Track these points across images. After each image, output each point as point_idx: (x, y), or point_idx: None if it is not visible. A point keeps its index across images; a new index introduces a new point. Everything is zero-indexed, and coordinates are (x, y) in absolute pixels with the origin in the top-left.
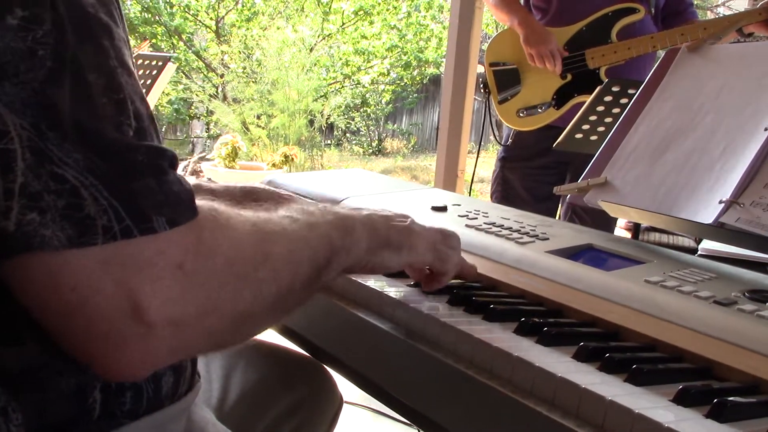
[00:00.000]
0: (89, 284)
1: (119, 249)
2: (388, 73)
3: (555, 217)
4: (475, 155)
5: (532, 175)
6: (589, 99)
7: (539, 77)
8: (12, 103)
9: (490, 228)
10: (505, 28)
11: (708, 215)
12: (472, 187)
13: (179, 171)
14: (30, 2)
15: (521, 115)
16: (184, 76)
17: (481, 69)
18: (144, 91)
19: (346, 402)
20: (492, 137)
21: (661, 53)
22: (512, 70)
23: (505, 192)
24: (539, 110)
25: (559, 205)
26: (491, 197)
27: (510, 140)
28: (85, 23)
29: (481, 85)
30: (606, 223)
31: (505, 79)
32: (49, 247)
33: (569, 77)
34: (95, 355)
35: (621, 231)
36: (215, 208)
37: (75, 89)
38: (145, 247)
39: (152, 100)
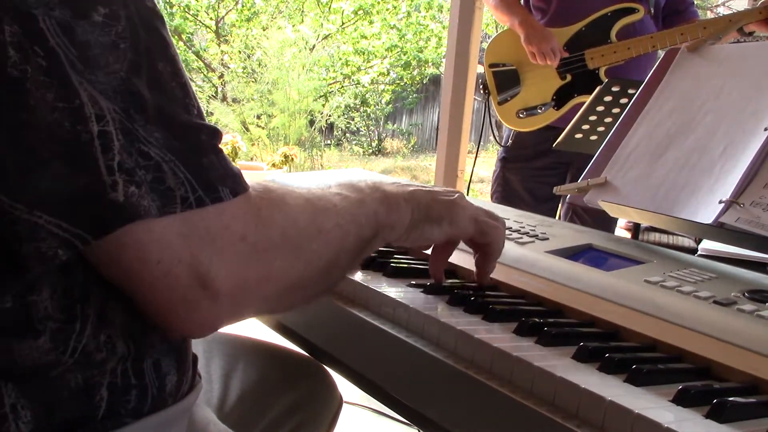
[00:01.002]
0: (171, 257)
1: (195, 219)
2: (388, 73)
3: (555, 218)
4: (475, 155)
5: (533, 176)
6: (589, 99)
7: (539, 78)
8: (105, 90)
9: None
10: (505, 28)
11: (708, 215)
12: (472, 187)
13: None
14: (108, 0)
15: (521, 115)
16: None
17: (481, 69)
18: None
19: (346, 402)
20: (492, 138)
21: (661, 53)
22: (512, 71)
23: (505, 192)
24: (539, 111)
25: (560, 205)
26: (491, 198)
27: (510, 141)
28: (149, 17)
29: (481, 86)
30: (606, 223)
31: (504, 80)
32: (150, 215)
33: (569, 78)
34: (172, 318)
35: (621, 231)
36: (268, 186)
37: (151, 77)
38: (215, 219)
39: None
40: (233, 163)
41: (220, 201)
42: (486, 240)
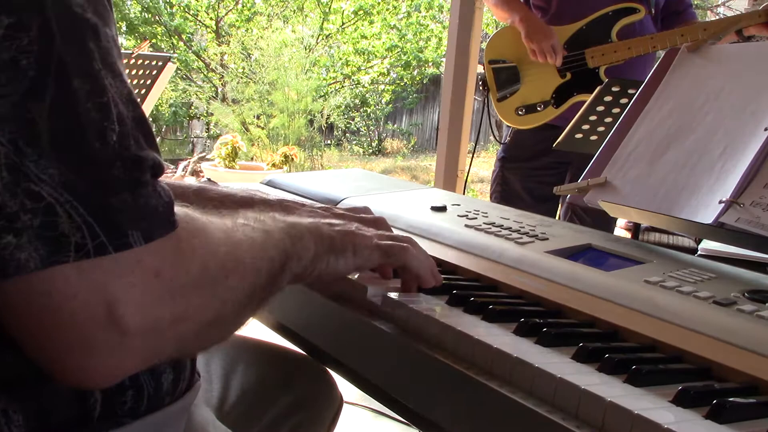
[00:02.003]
0: (65, 290)
1: (90, 270)
2: (388, 73)
3: (555, 218)
4: (476, 155)
5: (532, 176)
6: (589, 99)
7: (538, 75)
8: None
9: (490, 228)
10: (506, 25)
11: (708, 215)
12: (472, 187)
13: (179, 171)
14: (18, 6)
15: (520, 113)
16: (184, 77)
17: (481, 69)
18: (144, 91)
19: (346, 402)
20: (492, 137)
21: (661, 53)
22: (511, 68)
23: (504, 192)
24: (538, 108)
25: (559, 205)
26: (491, 197)
27: (509, 138)
28: (72, 25)
29: (480, 83)
30: (606, 223)
31: (504, 77)
32: (25, 271)
33: (568, 76)
34: (68, 364)
35: (621, 231)
36: (190, 214)
37: (58, 98)
38: (121, 258)
39: (152, 100)
40: (164, 196)
41: (128, 248)
42: (398, 262)
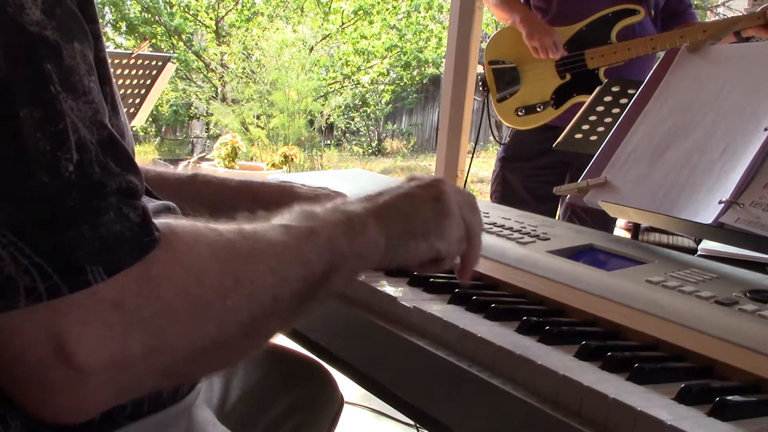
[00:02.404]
0: (10, 327)
1: (43, 314)
2: (388, 73)
3: (555, 218)
4: (476, 155)
5: (532, 176)
6: (588, 99)
7: (538, 76)
8: None
9: (491, 228)
10: (506, 26)
11: (708, 215)
12: (472, 187)
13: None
14: None
15: (519, 113)
16: (184, 77)
17: (481, 69)
18: (144, 91)
19: (347, 402)
20: (492, 137)
21: (660, 55)
22: (511, 68)
23: (505, 192)
24: (538, 109)
25: (559, 205)
26: (491, 197)
27: (508, 139)
28: (24, 46)
29: (480, 84)
30: (605, 223)
31: (504, 78)
32: None
33: (568, 77)
34: (32, 402)
35: (621, 231)
36: (180, 230)
37: (1, 130)
38: (77, 296)
39: (152, 100)
40: (131, 217)
41: (87, 286)
42: (476, 251)
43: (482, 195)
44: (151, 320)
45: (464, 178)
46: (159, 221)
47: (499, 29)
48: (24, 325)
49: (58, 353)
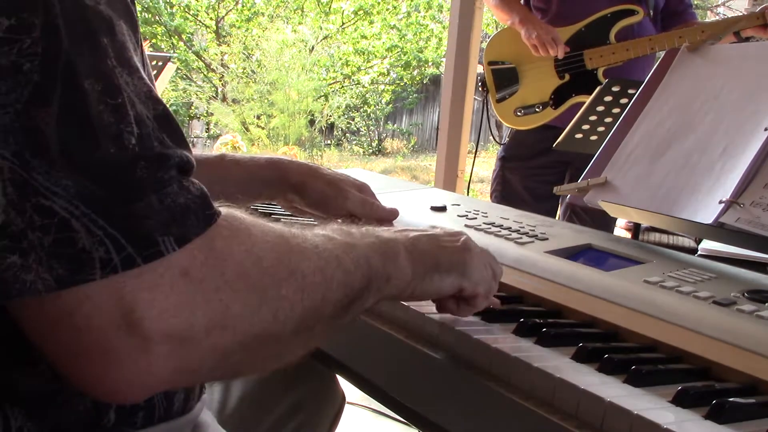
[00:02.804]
0: (79, 296)
1: (120, 286)
2: (388, 73)
3: (555, 218)
4: (476, 155)
5: (532, 175)
6: (588, 99)
7: (537, 77)
8: None
9: (490, 228)
10: (506, 27)
11: (708, 215)
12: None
13: None
14: (18, 7)
15: (519, 114)
16: (184, 77)
17: (481, 69)
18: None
19: (347, 402)
20: (491, 137)
21: (660, 55)
22: (511, 69)
23: (504, 192)
24: (537, 110)
25: (559, 204)
26: (491, 197)
27: (507, 138)
28: (82, 19)
29: (480, 84)
30: (605, 223)
31: (503, 78)
32: (31, 293)
33: (567, 77)
34: (86, 373)
35: (621, 231)
36: (234, 214)
37: (66, 102)
38: (150, 266)
39: None
40: (194, 190)
41: (159, 257)
42: (493, 291)
43: (483, 195)
44: (215, 294)
45: (465, 179)
46: (221, 207)
47: (499, 29)
48: (95, 292)
49: (125, 319)
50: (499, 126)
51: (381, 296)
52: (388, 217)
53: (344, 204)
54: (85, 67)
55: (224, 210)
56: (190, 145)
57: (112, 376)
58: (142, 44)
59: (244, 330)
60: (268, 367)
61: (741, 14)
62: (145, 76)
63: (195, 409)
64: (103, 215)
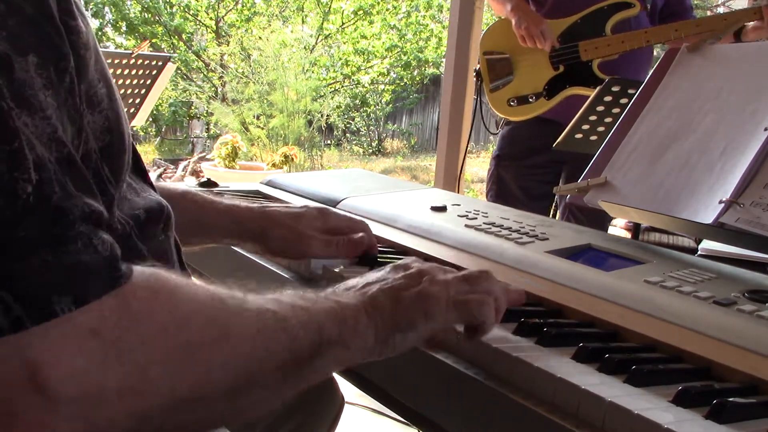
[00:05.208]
0: None
1: (13, 336)
2: (388, 73)
3: (548, 216)
4: (476, 155)
5: (526, 174)
6: (581, 92)
7: (532, 67)
8: None
9: (490, 228)
10: (503, 18)
11: (708, 215)
12: (472, 187)
13: (179, 171)
14: None
15: (512, 104)
16: (184, 77)
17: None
18: (144, 91)
19: (346, 402)
20: (485, 128)
21: (656, 52)
22: (505, 59)
23: (499, 190)
24: (530, 100)
25: (553, 204)
26: (486, 196)
27: (503, 131)
28: None
29: (474, 74)
30: (600, 222)
31: (497, 68)
32: None
33: (561, 68)
34: None
35: (621, 231)
36: (158, 275)
37: None
38: (51, 323)
39: (152, 100)
40: (100, 250)
41: (53, 317)
42: (478, 319)
43: (482, 195)
44: (130, 355)
45: (457, 177)
46: (145, 267)
47: (495, 21)
48: None
49: (30, 379)
50: (498, 122)
51: (342, 363)
52: (353, 252)
53: (308, 249)
54: None
55: (148, 270)
56: (192, 143)
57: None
58: (90, 56)
59: (166, 393)
60: (205, 428)
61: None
62: (52, 114)
63: None
64: None
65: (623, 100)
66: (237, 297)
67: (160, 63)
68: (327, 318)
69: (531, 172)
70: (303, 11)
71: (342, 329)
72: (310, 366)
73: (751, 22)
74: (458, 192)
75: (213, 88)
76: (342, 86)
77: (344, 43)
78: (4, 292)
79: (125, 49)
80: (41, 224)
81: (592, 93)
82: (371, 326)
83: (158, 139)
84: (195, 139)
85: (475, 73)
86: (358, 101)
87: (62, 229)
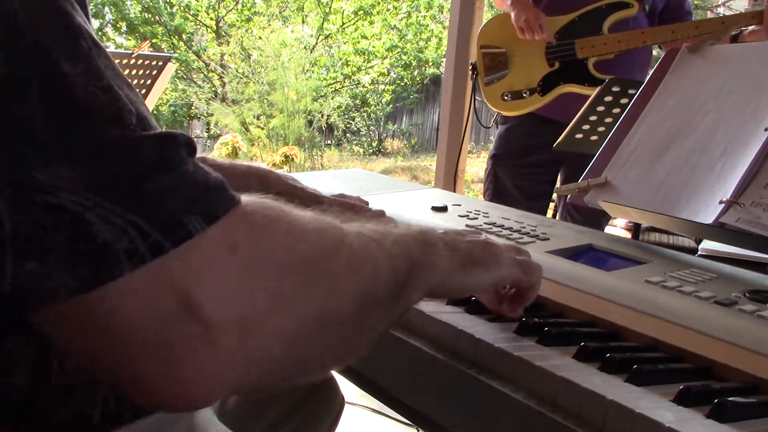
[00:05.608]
0: (118, 294)
1: (152, 276)
2: (388, 73)
3: (545, 215)
4: (476, 155)
5: (523, 174)
6: (576, 90)
7: (527, 63)
8: None
9: (491, 228)
10: (501, 12)
11: (708, 215)
12: (472, 187)
13: None
14: None
15: (506, 98)
16: (184, 77)
17: None
18: (144, 91)
19: (347, 402)
20: (478, 121)
21: (654, 52)
22: (501, 53)
23: (496, 190)
24: (524, 95)
25: (550, 203)
26: (484, 196)
27: (496, 124)
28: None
29: (471, 68)
30: (597, 221)
31: (493, 62)
32: (58, 299)
33: (557, 65)
34: (148, 377)
35: (621, 231)
36: (266, 200)
37: (46, 88)
38: (185, 248)
39: (152, 100)
40: (209, 171)
41: (188, 238)
42: (531, 281)
43: (482, 195)
44: (267, 271)
45: (466, 178)
46: (246, 195)
47: (493, 16)
48: (138, 285)
49: (183, 308)
50: (496, 121)
51: (426, 287)
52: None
53: None
54: (56, 47)
55: (252, 196)
56: None
57: (180, 373)
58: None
59: (304, 311)
60: (336, 359)
61: (737, 13)
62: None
63: None
64: (118, 202)
65: (623, 100)
66: (331, 219)
67: (160, 63)
68: (410, 240)
69: (528, 171)
70: (303, 11)
71: (427, 252)
72: (408, 286)
73: (749, 27)
74: (457, 192)
75: (213, 89)
76: (342, 86)
77: (344, 43)
78: (138, 218)
79: (125, 50)
80: (157, 146)
81: (587, 91)
82: (447, 254)
83: None
84: (195, 139)
85: (471, 67)
86: (358, 101)
87: (172, 153)
